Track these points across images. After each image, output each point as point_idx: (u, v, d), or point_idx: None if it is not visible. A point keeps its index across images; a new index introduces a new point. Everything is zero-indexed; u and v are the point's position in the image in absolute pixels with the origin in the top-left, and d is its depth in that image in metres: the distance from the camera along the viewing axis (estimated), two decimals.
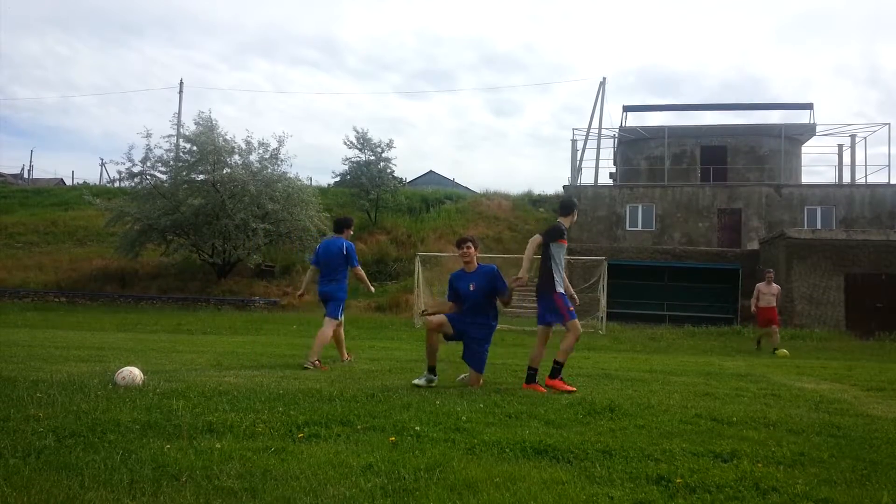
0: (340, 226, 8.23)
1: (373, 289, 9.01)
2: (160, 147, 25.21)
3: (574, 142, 32.43)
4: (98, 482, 2.81)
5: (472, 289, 6.23)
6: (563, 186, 30.55)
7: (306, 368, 7.29)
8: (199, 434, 3.71)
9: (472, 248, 6.36)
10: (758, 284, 15.07)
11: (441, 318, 6.21)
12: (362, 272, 8.25)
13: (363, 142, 29.67)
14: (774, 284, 14.89)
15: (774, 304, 14.56)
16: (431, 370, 6.15)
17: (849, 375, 8.74)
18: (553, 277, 6.23)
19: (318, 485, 2.86)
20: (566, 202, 6.71)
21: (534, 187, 41.37)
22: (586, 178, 32.07)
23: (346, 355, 8.41)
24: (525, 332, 17.25)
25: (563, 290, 6.26)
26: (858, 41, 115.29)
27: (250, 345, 11.14)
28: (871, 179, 29.74)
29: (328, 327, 7.89)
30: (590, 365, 9.13)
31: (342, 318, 8.18)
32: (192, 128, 25.08)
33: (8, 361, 6.98)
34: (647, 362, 10.00)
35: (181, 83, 42.35)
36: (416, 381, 6.09)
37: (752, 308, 14.87)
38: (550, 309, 6.22)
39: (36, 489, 2.68)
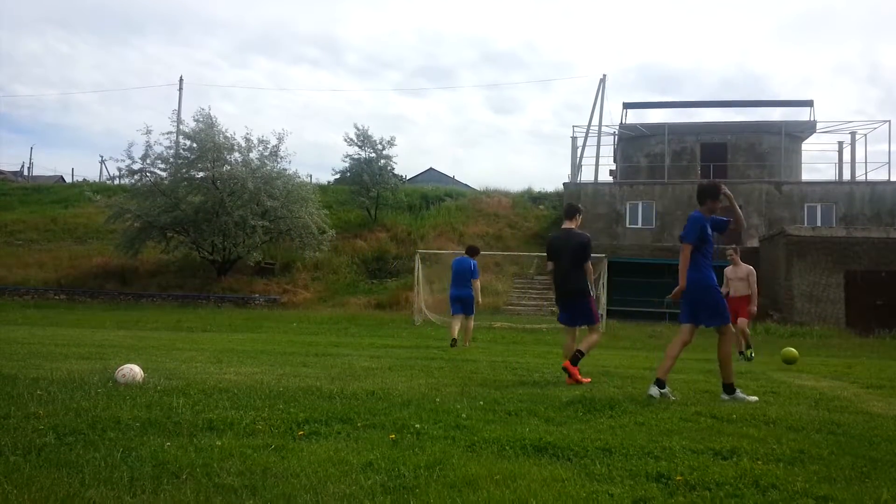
0: (474, 252, 11.44)
1: (481, 300, 11.66)
2: (160, 144, 25.26)
3: (574, 139, 32.35)
4: (98, 480, 2.81)
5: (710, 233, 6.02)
6: (564, 184, 30.46)
7: (465, 346, 11.18)
8: (200, 431, 3.71)
9: None
10: (725, 269, 10.80)
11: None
12: (479, 285, 11.42)
13: (364, 139, 29.63)
14: (743, 265, 10.88)
15: (747, 293, 10.61)
16: (661, 383, 5.62)
17: (849, 373, 8.74)
18: None
19: (319, 482, 2.86)
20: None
21: (534, 184, 41.29)
22: (586, 175, 32.00)
23: (468, 342, 11.51)
24: (525, 329, 17.28)
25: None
26: (858, 39, 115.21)
27: (250, 342, 11.14)
28: (872, 177, 29.58)
29: (471, 322, 11.44)
30: (589, 362, 9.11)
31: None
32: (192, 125, 25.10)
33: (8, 359, 6.99)
34: (647, 359, 9.99)
35: (181, 80, 42.27)
36: (652, 393, 5.54)
37: None
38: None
39: (36, 486, 2.69)
